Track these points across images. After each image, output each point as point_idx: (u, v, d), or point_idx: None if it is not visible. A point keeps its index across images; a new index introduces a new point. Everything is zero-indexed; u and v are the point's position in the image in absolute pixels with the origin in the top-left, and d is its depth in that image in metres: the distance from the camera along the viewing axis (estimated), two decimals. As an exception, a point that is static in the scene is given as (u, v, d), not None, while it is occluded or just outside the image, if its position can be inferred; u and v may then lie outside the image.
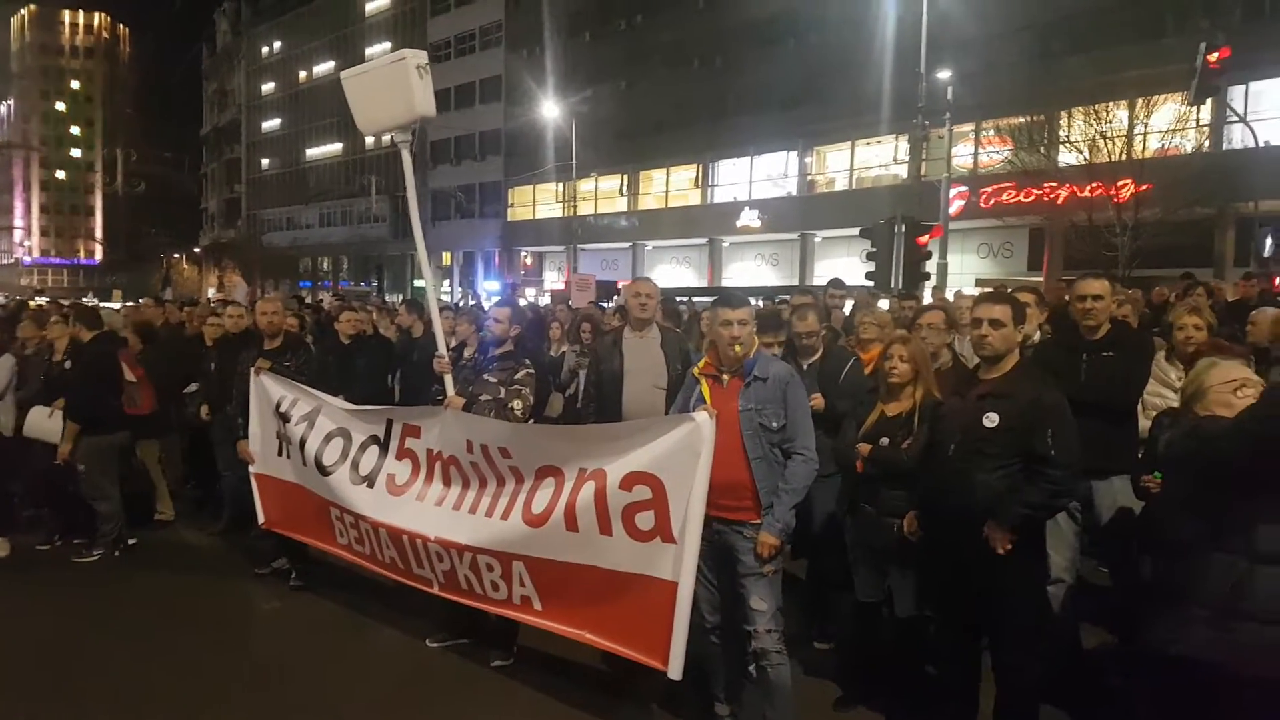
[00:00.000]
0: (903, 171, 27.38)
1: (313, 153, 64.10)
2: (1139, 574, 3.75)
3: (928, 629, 4.05)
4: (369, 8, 58.16)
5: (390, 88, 4.86)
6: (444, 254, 51.69)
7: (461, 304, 18.96)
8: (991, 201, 25.02)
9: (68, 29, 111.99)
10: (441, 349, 5.08)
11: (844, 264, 28.77)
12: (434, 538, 4.62)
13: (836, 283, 8.85)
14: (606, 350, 5.46)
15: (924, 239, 16.34)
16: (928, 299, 13.71)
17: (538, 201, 44.48)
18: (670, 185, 38.34)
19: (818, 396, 4.79)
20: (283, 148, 67.25)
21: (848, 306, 8.50)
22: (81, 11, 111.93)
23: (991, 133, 26.67)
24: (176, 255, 75.75)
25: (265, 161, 69.72)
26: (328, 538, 5.49)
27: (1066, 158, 22.27)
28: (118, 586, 6.21)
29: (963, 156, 27.06)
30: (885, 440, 4.16)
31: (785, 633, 3.91)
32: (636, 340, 5.40)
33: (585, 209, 39.92)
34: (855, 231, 19.45)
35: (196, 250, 74.53)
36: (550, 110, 37.12)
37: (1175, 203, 19.07)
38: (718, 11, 34.05)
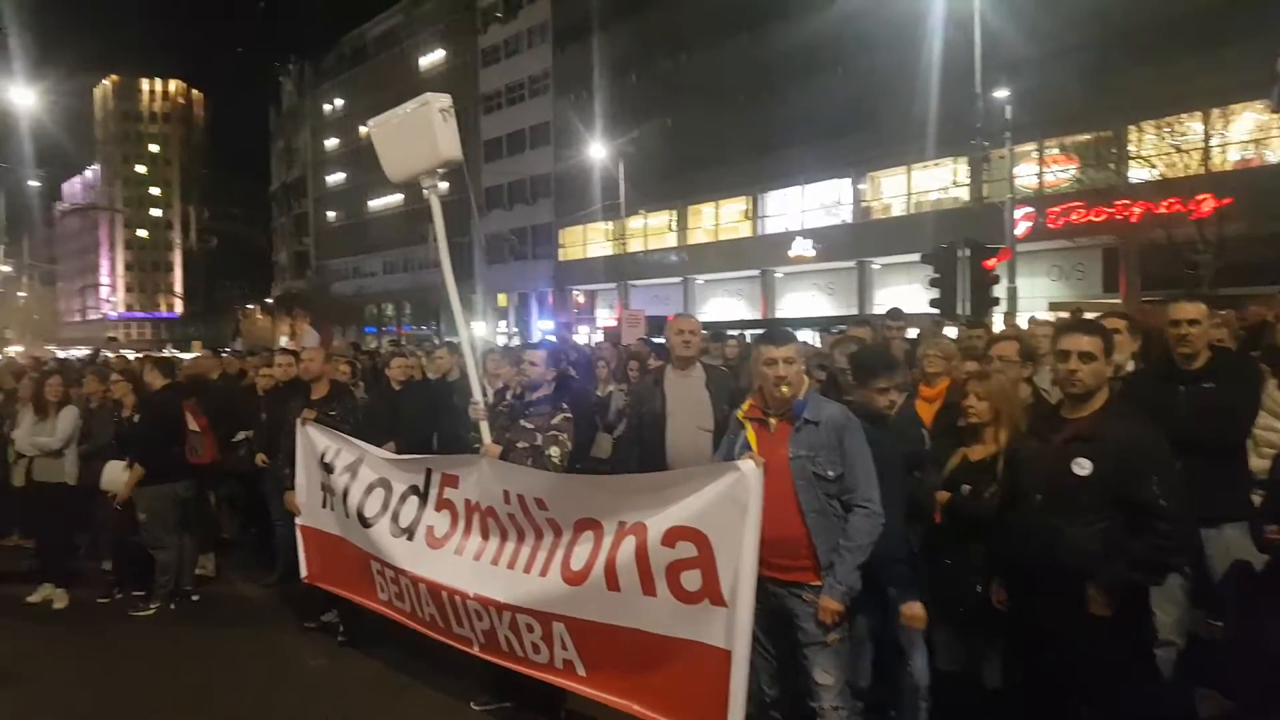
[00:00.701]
0: (963, 194, 26.70)
1: (375, 204, 65.86)
2: (1264, 637, 3.27)
3: (1019, 702, 3.56)
4: (423, 63, 59.81)
5: (415, 133, 4.74)
6: (499, 295, 52.37)
7: (508, 344, 19.01)
8: (1060, 221, 24.10)
9: (146, 96, 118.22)
10: (476, 394, 4.88)
11: (905, 291, 28.04)
12: (472, 594, 4.38)
13: (894, 313, 8.37)
14: (647, 390, 5.20)
15: (991, 262, 15.57)
16: (998, 326, 13.10)
17: (588, 241, 44.79)
18: (720, 219, 38.12)
19: None
20: (347, 200, 69.31)
21: (912, 335, 8.05)
22: (159, 79, 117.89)
23: (1055, 151, 25.82)
24: (250, 306, 78.35)
25: (331, 214, 71.93)
26: (369, 593, 5.31)
27: (1138, 173, 21.34)
28: (169, 642, 6.16)
29: (1026, 177, 26.23)
30: (966, 488, 3.75)
31: (857, 710, 3.51)
32: (679, 379, 5.12)
33: (635, 246, 39.97)
34: (916, 257, 18.87)
35: (269, 300, 76.95)
36: (598, 151, 37.44)
37: (1262, 216, 18.04)
38: (761, 44, 33.94)
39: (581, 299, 45.82)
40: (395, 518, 5.01)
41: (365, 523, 5.18)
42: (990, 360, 4.52)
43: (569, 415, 4.80)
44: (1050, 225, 24.25)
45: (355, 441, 5.55)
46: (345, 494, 5.37)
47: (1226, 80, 18.46)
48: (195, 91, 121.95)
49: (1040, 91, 22.72)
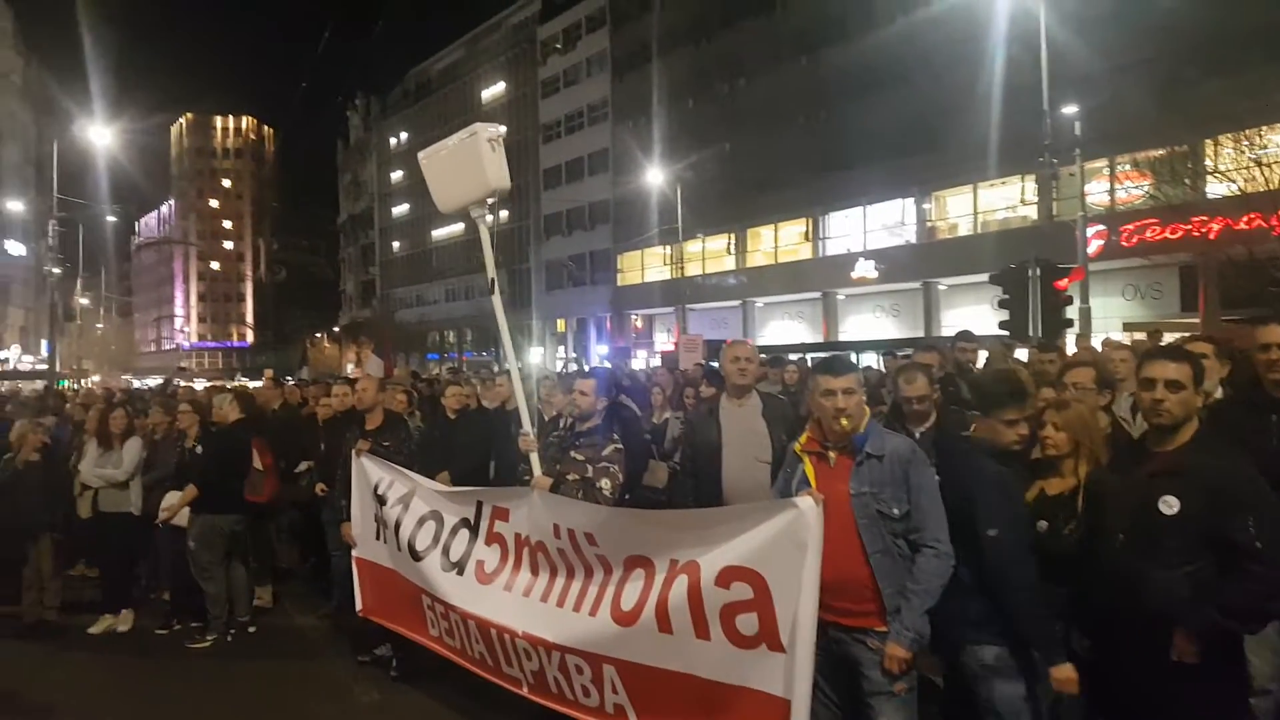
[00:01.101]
0: (1031, 213, 26.00)
1: (438, 234, 67.27)
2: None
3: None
4: (485, 95, 61.13)
5: (464, 164, 4.76)
6: (558, 321, 52.85)
7: (564, 370, 19.01)
8: (1134, 239, 23.27)
9: (219, 132, 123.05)
10: (526, 425, 4.83)
11: (973, 313, 27.39)
12: (521, 633, 4.27)
13: (965, 335, 8.06)
14: (702, 420, 5.06)
15: (1063, 283, 14.90)
16: (1071, 348, 12.55)
17: (646, 265, 44.93)
18: (779, 240, 37.82)
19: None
20: (411, 231, 70.98)
21: (981, 359, 7.72)
22: (231, 116, 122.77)
23: (1128, 167, 25.00)
24: (318, 335, 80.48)
25: (396, 244, 73.70)
26: (420, 628, 5.24)
27: (1216, 189, 20.48)
28: (221, 675, 6.18)
29: (1098, 194, 25.42)
30: (1043, 524, 3.50)
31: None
32: (735, 408, 4.94)
33: (693, 270, 39.90)
34: (983, 278, 18.34)
35: (336, 329, 78.99)
36: (656, 176, 37.61)
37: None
38: (819, 66, 33.77)
39: (640, 323, 45.93)
40: (446, 551, 4.95)
41: (416, 556, 5.12)
42: (1065, 388, 4.29)
43: (620, 446, 4.71)
44: (1124, 243, 23.43)
45: (407, 473, 5.51)
46: (398, 526, 5.32)
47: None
48: (266, 128, 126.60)
49: (1110, 106, 22.01)
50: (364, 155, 77.84)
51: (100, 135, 31.26)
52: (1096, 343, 16.74)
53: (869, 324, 33.59)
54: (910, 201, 31.87)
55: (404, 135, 71.81)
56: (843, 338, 33.51)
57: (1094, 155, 22.98)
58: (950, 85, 27.18)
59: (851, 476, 3.36)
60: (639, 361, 37.42)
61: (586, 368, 30.88)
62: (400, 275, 72.63)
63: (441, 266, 65.51)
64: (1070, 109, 20.64)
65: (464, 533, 4.89)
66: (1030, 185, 24.81)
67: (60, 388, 27.75)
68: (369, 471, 5.72)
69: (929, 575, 3.24)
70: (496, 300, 5.12)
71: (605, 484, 4.54)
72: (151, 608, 7.38)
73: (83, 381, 39.45)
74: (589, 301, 49.04)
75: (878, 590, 3.26)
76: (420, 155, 5.10)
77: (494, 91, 60.39)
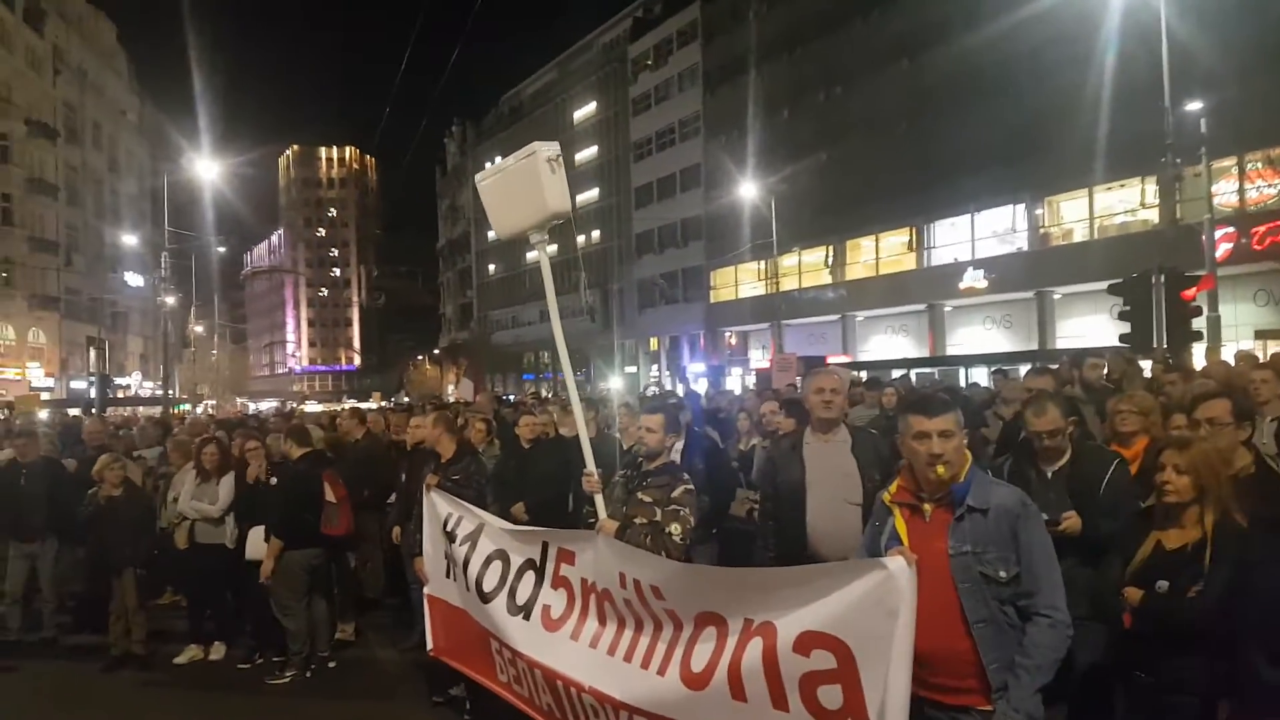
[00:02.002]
0: (1153, 216, 24.35)
1: (531, 256, 68.40)
2: None
3: None
4: (577, 116, 61.97)
5: (523, 186, 4.43)
6: (651, 340, 52.71)
7: (644, 394, 18.57)
8: (1267, 241, 21.51)
9: (324, 163, 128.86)
10: (590, 464, 4.46)
11: (1091, 322, 25.86)
12: (588, 687, 3.94)
13: (1094, 351, 7.31)
14: (784, 457, 4.61)
15: (1190, 292, 13.80)
16: (1199, 360, 11.43)
17: (740, 281, 44.31)
18: (880, 252, 36.64)
19: (1072, 515, 3.76)
20: (506, 254, 72.43)
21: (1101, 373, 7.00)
22: (335, 147, 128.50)
23: (1259, 165, 23.12)
24: (420, 357, 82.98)
25: (491, 267, 75.42)
26: (489, 672, 4.96)
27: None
28: (296, 713, 6.15)
29: (1226, 194, 23.60)
30: (1163, 584, 3.07)
31: None
32: (821, 444, 4.50)
33: (789, 284, 39.07)
34: (1101, 286, 17.17)
35: (436, 351, 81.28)
36: (749, 190, 37.08)
37: None
38: (923, 71, 32.60)
39: (734, 340, 45.31)
40: (513, 594, 4.68)
41: (484, 597, 4.86)
42: (1198, 425, 3.74)
43: (690, 488, 4.34)
44: (1255, 246, 21.72)
45: (475, 510, 5.29)
46: (466, 565, 5.08)
47: None
48: (369, 158, 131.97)
49: (1238, 101, 20.45)
50: (460, 181, 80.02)
51: (209, 169, 33.09)
52: (1228, 355, 15.42)
53: (979, 336, 32.06)
54: (1021, 207, 30.33)
55: (498, 159, 73.03)
56: (950, 351, 32.06)
57: (1221, 153, 21.32)
58: (1061, 85, 25.80)
59: (950, 533, 2.88)
60: (733, 380, 36.82)
61: (670, 390, 30.29)
62: (496, 298, 74.21)
63: (535, 288, 66.56)
64: (1194, 105, 19.18)
65: (530, 575, 4.61)
66: (1151, 187, 23.28)
67: (179, 411, 29.25)
68: (439, 506, 5.54)
69: (1042, 648, 2.78)
70: (557, 327, 4.84)
71: (675, 529, 4.17)
72: (240, 640, 7.41)
73: (199, 407, 41.52)
74: (682, 319, 48.72)
75: (981, 664, 2.81)
76: (477, 178, 4.84)
77: (585, 112, 61.15)
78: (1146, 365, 11.06)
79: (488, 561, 4.94)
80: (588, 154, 60.45)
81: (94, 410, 26.24)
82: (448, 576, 5.43)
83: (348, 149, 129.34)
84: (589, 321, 56.91)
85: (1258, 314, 23.45)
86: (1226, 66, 20.90)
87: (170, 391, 33.57)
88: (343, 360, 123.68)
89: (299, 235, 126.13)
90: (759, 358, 40.30)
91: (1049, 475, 3.95)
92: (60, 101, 47.89)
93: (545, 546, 4.57)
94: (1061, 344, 26.97)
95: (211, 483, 7.20)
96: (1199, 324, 14.71)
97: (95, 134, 53.36)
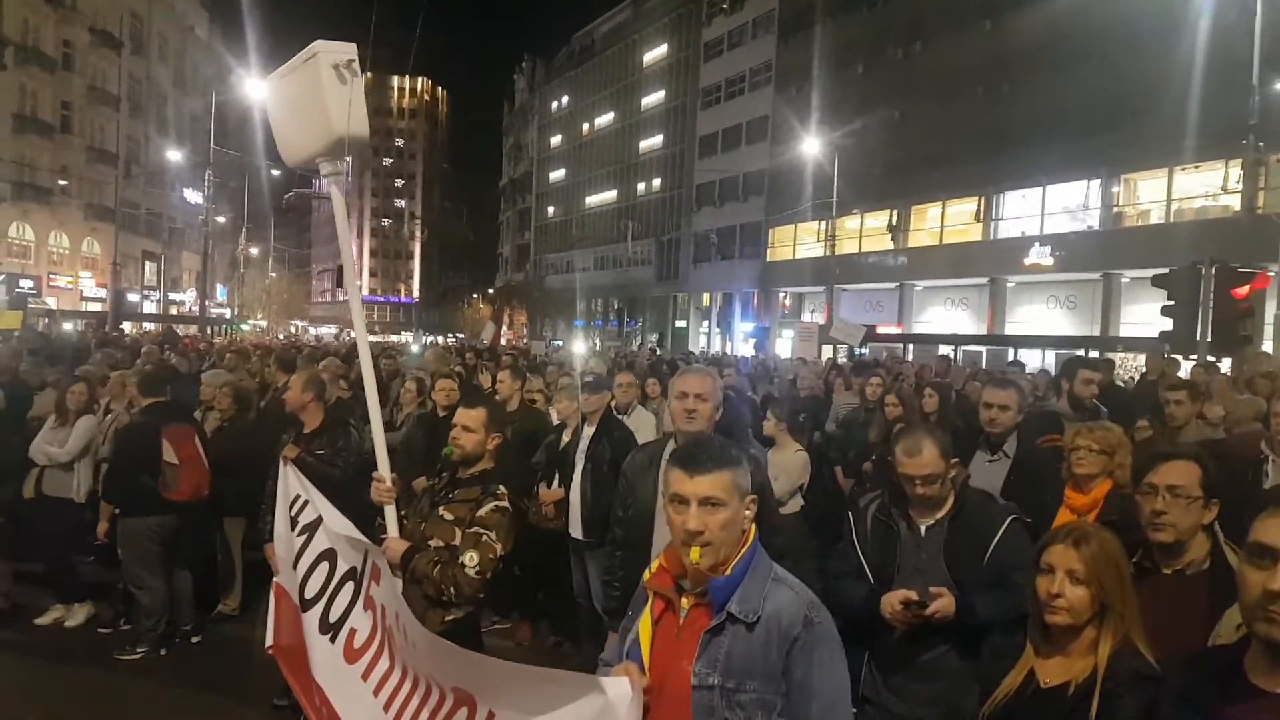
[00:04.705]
0: (1234, 202, 23.11)
1: (591, 200, 68.13)
2: None
3: None
4: (647, 58, 60.85)
5: (305, 100, 3.41)
6: (704, 295, 52.30)
7: (618, 358, 16.20)
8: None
9: (395, 93, 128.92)
10: (383, 467, 3.63)
11: (1156, 310, 24.78)
12: None
13: (1085, 361, 6.75)
14: (638, 471, 3.76)
15: (1242, 290, 12.62)
16: (1228, 365, 10.84)
17: (798, 241, 43.37)
18: (945, 220, 35.46)
19: (944, 595, 2.92)
20: (566, 197, 72.28)
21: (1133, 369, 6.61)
22: (408, 77, 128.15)
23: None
24: (475, 296, 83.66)
25: (551, 210, 75.26)
26: (307, 693, 3.99)
27: None
28: (128, 694, 5.58)
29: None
30: None
31: None
32: None
33: (849, 247, 38.21)
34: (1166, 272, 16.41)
35: (491, 291, 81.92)
36: (814, 146, 36.10)
37: None
38: (1005, 33, 31.07)
39: (788, 302, 44.66)
40: (329, 607, 3.76)
41: (304, 604, 3.89)
42: (1152, 491, 2.63)
43: (506, 505, 3.54)
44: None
45: (319, 497, 4.14)
46: (297, 561, 4.08)
47: None
48: (441, 89, 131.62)
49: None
50: (526, 119, 79.62)
51: (266, 90, 32.88)
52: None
53: (1040, 316, 30.98)
54: (1096, 183, 28.97)
55: (565, 99, 72.83)
56: (1009, 330, 31.13)
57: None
58: (1148, 56, 24.37)
59: (700, 650, 2.09)
60: (783, 342, 36.41)
61: (718, 353, 28.72)
62: (553, 241, 74.16)
63: (590, 233, 66.37)
64: (1284, 86, 18.02)
65: (349, 587, 3.72)
66: (1235, 171, 22.00)
67: (230, 333, 29.53)
68: (290, 484, 4.49)
69: None
70: (353, 293, 3.96)
71: (472, 558, 3.36)
72: (102, 595, 6.60)
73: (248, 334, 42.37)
74: (736, 276, 48.02)
75: None
76: (262, 84, 3.92)
77: (656, 54, 59.99)
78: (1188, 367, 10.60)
79: (317, 561, 3.98)
80: (655, 98, 59.49)
81: (107, 326, 26.49)
82: (293, 567, 4.40)
83: (420, 79, 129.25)
84: (646, 271, 56.51)
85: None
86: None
87: (209, 310, 33.68)
88: (403, 293, 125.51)
89: (366, 164, 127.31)
90: (826, 321, 39.70)
91: (923, 531, 3.11)
92: (127, 11, 47.83)
93: (366, 557, 3.65)
94: (1125, 331, 26.01)
95: (68, 426, 6.41)
96: (1257, 324, 13.78)
97: (161, 47, 53.38)
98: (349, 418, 5.87)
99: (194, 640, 6.26)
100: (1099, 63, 26.52)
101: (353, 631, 3.56)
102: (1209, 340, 12.22)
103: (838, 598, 3.15)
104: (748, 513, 2.18)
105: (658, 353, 25.44)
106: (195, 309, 46.21)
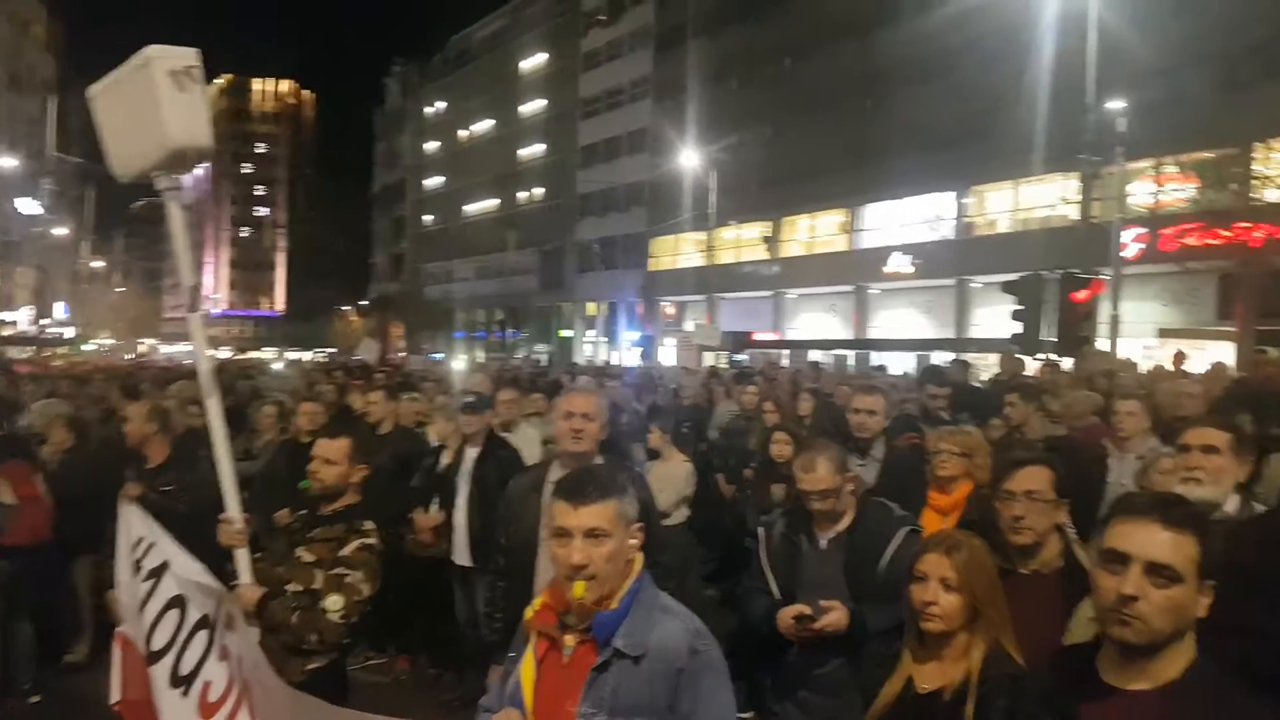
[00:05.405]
0: (1073, 212, 25.09)
1: (470, 208, 66.98)
2: None
3: None
4: (524, 66, 60.47)
5: (140, 109, 3.15)
6: (588, 305, 52.39)
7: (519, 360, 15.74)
8: (1174, 244, 22.35)
9: (257, 95, 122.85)
10: (231, 506, 3.34)
11: (1005, 312, 26.51)
12: None
13: (934, 376, 7.09)
14: (521, 496, 3.58)
15: (1082, 295, 13.82)
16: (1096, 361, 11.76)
17: (679, 251, 44.28)
18: (815, 231, 37.08)
19: (836, 608, 2.97)
20: (444, 204, 70.77)
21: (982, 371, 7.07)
22: (270, 79, 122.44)
23: (1173, 169, 23.91)
24: (345, 308, 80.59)
25: (427, 218, 73.54)
26: None
27: (1269, 195, 19.51)
28: None
29: (1142, 195, 24.38)
30: None
31: None
32: None
33: (727, 257, 39.19)
34: (1013, 279, 17.66)
35: (363, 303, 79.15)
36: (693, 159, 36.88)
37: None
38: (868, 53, 32.70)
39: (671, 311, 45.30)
40: (181, 658, 3.46)
41: (152, 656, 3.56)
42: (1010, 497, 2.76)
43: (374, 543, 3.32)
44: (1162, 248, 22.50)
45: (166, 538, 3.75)
46: (143, 607, 3.70)
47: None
48: (305, 92, 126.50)
49: (1162, 105, 21.02)
50: (399, 124, 77.57)
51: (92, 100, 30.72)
52: (1132, 351, 15.98)
53: (902, 320, 32.80)
54: (951, 195, 30.94)
55: (441, 105, 71.37)
56: (873, 334, 32.83)
57: (1139, 155, 22.00)
58: (999, 75, 26.18)
59: (586, 689, 2.05)
60: (667, 350, 36.90)
61: (604, 363, 29.14)
62: (431, 250, 72.41)
63: (473, 241, 65.23)
64: (1117, 105, 19.75)
65: (202, 636, 3.45)
66: (1074, 183, 23.90)
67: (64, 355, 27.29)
68: (133, 526, 4.03)
69: None
70: (195, 320, 3.63)
71: (335, 602, 3.13)
72: None
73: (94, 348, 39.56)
74: (620, 286, 48.42)
75: None
76: (89, 92, 3.42)
77: (534, 62, 59.68)
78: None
79: (166, 609, 3.64)
80: (535, 107, 59.17)
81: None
82: (139, 616, 3.96)
83: (284, 83, 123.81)
84: (530, 280, 55.95)
85: (1162, 313, 24.44)
86: (1153, 69, 21.46)
87: (46, 331, 31.34)
88: (265, 305, 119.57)
89: (224, 170, 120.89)
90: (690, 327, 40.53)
91: (823, 545, 3.19)
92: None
93: (220, 603, 3.39)
94: (976, 334, 27.72)
95: None
96: (1092, 327, 15.02)
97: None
98: (200, 449, 5.06)
99: (32, 700, 5.66)
100: (956, 80, 28.29)
101: (207, 684, 3.32)
102: (1053, 341, 13.28)
103: (744, 613, 3.30)
104: (633, 541, 2.14)
105: (542, 364, 25.27)
106: (31, 329, 42.62)
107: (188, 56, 3.15)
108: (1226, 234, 20.38)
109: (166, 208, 3.45)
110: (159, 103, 3.06)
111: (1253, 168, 19.91)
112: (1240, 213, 19.65)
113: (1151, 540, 1.77)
